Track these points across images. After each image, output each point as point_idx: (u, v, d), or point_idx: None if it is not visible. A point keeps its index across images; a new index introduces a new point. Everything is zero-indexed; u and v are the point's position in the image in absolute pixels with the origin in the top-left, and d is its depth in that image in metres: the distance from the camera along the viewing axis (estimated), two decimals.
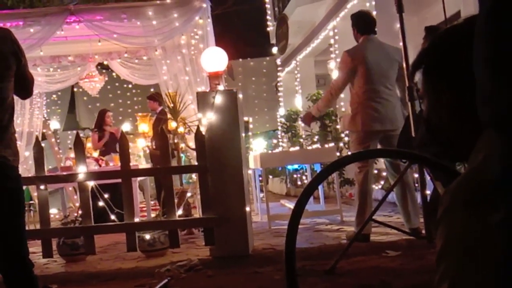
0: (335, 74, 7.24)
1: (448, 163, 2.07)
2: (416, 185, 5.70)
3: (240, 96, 6.16)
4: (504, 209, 0.58)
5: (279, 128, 15.79)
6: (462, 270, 1.04)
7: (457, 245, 1.05)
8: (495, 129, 0.61)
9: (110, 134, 9.48)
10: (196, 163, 6.10)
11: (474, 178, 1.05)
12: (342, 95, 6.73)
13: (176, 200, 6.30)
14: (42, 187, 6.06)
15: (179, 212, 6.62)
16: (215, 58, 6.57)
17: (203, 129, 5.89)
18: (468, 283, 1.01)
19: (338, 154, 9.32)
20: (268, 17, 17.77)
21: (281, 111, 16.08)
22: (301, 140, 13.63)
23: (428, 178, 5.02)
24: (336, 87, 6.30)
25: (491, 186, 0.61)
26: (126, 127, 11.56)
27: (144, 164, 8.96)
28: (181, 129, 7.67)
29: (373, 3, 10.00)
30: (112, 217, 7.49)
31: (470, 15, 1.26)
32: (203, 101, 5.98)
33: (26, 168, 8.91)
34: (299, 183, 12.82)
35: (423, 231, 5.37)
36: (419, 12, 8.53)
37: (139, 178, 8.26)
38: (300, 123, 14.31)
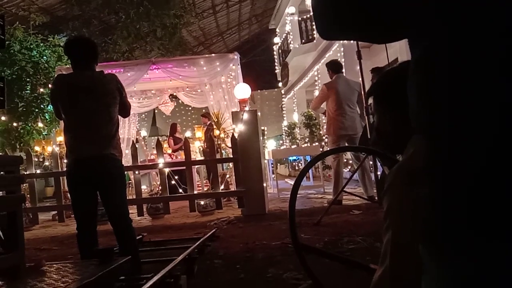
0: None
1: (390, 155, 2.05)
2: (371, 168, 5.67)
3: (259, 114, 6.16)
4: (427, 185, 0.58)
5: (283, 133, 15.77)
6: (400, 223, 1.04)
7: (396, 207, 1.06)
8: (421, 133, 0.61)
9: (179, 139, 9.48)
10: (231, 156, 6.12)
11: (407, 165, 1.05)
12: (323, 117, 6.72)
13: (219, 179, 6.33)
14: (136, 172, 6.14)
15: (222, 187, 6.64)
16: (243, 90, 6.58)
17: (236, 135, 5.91)
18: (404, 230, 1.01)
19: (321, 149, 9.27)
20: (275, 64, 17.76)
21: (285, 123, 16.05)
22: (298, 141, 13.59)
23: (379, 164, 5.00)
24: (313, 106, 6.56)
25: (418, 170, 0.61)
26: (187, 134, 11.57)
27: (199, 157, 8.97)
28: (222, 135, 7.70)
29: (342, 54, 9.97)
30: (180, 190, 7.53)
31: (404, 61, 1.26)
32: (236, 117, 5.99)
33: (126, 160, 8.99)
34: (296, 168, 12.79)
35: (376, 198, 5.35)
36: (371, 58, 8.47)
37: (196, 166, 8.29)
38: (297, 130, 14.30)
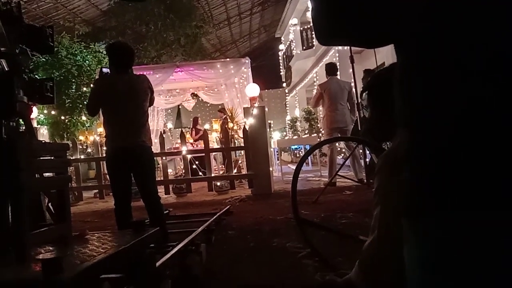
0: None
1: (378, 144, 2.03)
2: (361, 156, 5.64)
3: (266, 109, 6.14)
4: (407, 171, 0.60)
5: (287, 126, 15.70)
6: (386, 201, 1.04)
7: (383, 188, 1.05)
8: (404, 126, 0.62)
9: (200, 130, 9.45)
10: (243, 145, 6.12)
11: (392, 153, 1.05)
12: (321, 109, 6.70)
13: (233, 164, 6.34)
14: (164, 158, 6.17)
15: (235, 170, 6.65)
16: (253, 89, 6.57)
17: (247, 127, 5.90)
18: (389, 206, 1.01)
19: (318, 140, 9.22)
20: (280, 67, 17.65)
21: (288, 117, 15.99)
22: (299, 132, 13.54)
23: (367, 152, 4.97)
24: (312, 105, 6.69)
25: (401, 158, 0.61)
26: (206, 126, 11.53)
27: (216, 146, 8.97)
28: (235, 127, 7.69)
29: (337, 58, 9.88)
30: (200, 173, 7.54)
31: (392, 63, 1.25)
32: (247, 112, 5.99)
33: (155, 148, 8.99)
34: (297, 155, 12.73)
35: (365, 181, 5.33)
36: (362, 62, 8.36)
37: (214, 153, 8.28)
38: (298, 123, 14.22)
